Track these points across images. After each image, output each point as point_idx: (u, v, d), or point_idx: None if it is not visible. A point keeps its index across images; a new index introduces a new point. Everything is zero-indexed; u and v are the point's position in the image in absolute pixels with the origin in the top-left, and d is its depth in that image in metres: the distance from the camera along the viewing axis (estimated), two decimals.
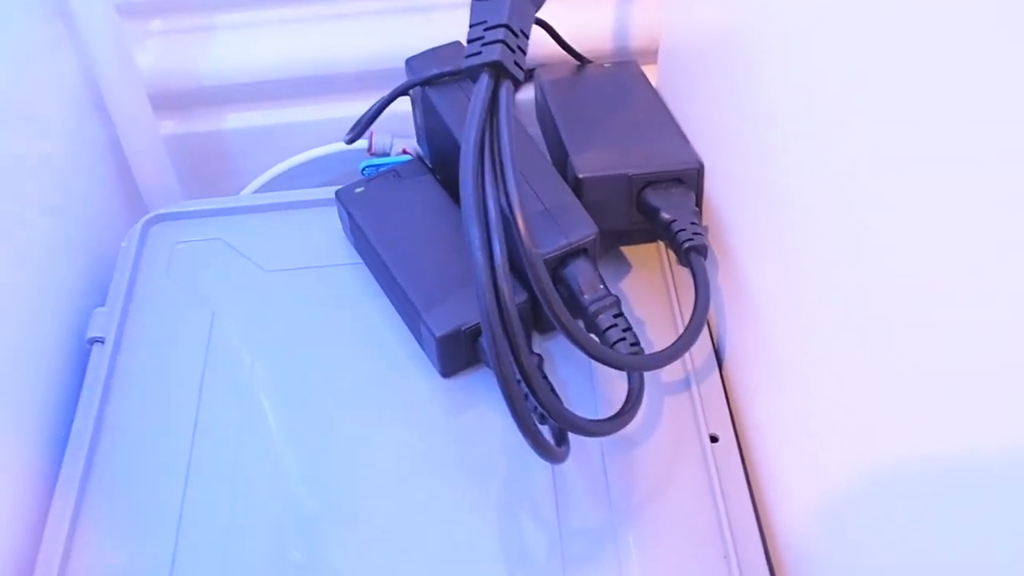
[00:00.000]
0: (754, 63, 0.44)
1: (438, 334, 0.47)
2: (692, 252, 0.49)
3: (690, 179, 0.51)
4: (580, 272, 0.47)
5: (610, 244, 0.55)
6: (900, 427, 0.31)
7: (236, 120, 0.65)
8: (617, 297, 0.47)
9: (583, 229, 0.48)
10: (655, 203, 0.51)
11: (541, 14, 0.61)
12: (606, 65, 0.62)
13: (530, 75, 0.63)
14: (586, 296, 0.47)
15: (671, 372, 0.49)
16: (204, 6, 0.63)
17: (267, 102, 0.65)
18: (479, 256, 0.37)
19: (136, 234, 0.57)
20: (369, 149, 0.64)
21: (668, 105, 0.58)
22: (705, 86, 0.53)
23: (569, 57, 0.63)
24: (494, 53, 0.37)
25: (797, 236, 0.39)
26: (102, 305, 0.53)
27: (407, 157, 0.62)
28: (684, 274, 0.52)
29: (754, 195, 0.45)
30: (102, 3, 0.56)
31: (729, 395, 0.49)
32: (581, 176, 0.51)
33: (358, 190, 0.54)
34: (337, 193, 0.55)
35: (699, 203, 0.52)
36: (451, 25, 0.61)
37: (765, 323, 0.44)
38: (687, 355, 0.49)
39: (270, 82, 0.64)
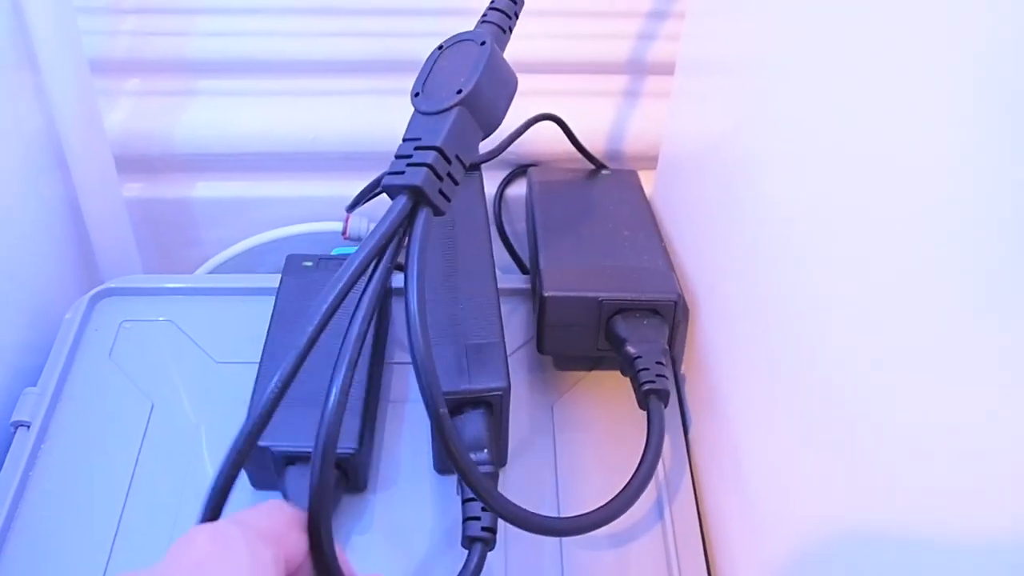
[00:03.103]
0: (750, 173, 0.42)
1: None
2: (652, 396, 0.45)
3: (666, 311, 0.47)
4: (468, 426, 0.42)
5: (578, 366, 0.51)
6: None
7: (205, 189, 0.62)
8: (496, 471, 0.42)
9: (491, 381, 0.43)
10: (623, 333, 0.47)
11: (558, 110, 0.60)
12: (604, 172, 0.59)
13: (523, 172, 0.61)
14: (467, 456, 0.42)
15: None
16: (186, 68, 0.60)
17: (240, 174, 0.62)
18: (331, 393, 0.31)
19: (82, 307, 0.52)
20: (344, 233, 0.61)
21: (661, 213, 0.56)
22: (699, 193, 0.50)
23: (568, 159, 0.60)
24: (417, 177, 0.32)
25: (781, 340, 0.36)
26: (34, 384, 0.49)
27: None
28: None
29: (745, 312, 0.42)
30: (73, 57, 0.53)
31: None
32: (546, 295, 0.47)
33: (306, 263, 0.51)
34: (288, 256, 0.51)
35: (674, 339, 0.48)
36: None
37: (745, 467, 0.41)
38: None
39: (246, 154, 0.60)
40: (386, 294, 0.53)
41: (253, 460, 0.43)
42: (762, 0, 0.41)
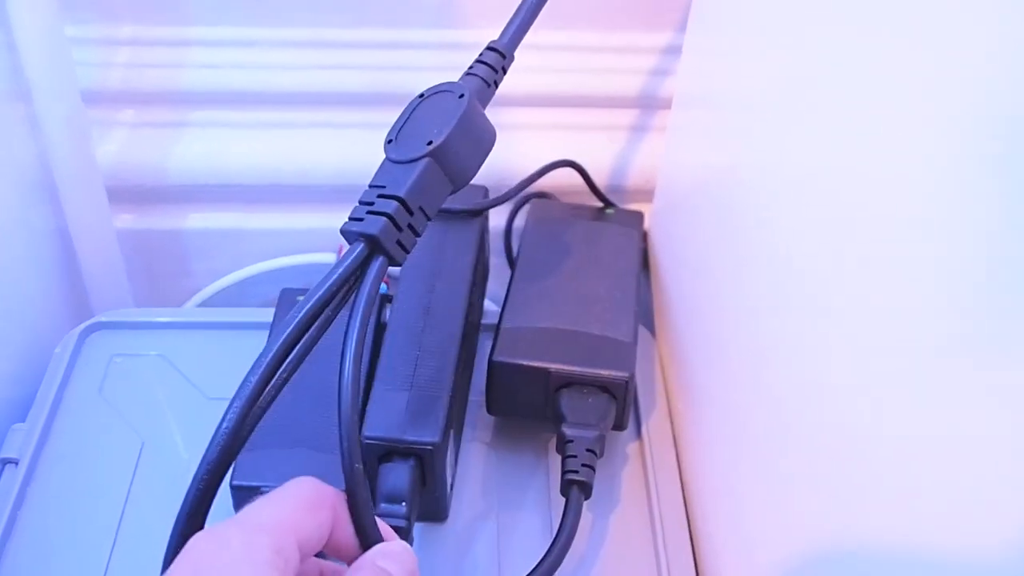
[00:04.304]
0: (744, 207, 0.42)
1: (233, 483, 0.42)
2: (573, 486, 0.43)
3: (617, 391, 0.46)
4: (390, 476, 0.41)
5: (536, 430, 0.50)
6: None
7: (198, 220, 0.61)
8: (409, 526, 0.41)
9: (424, 435, 0.42)
10: (563, 410, 0.45)
11: (560, 143, 0.60)
12: (608, 211, 0.58)
13: (524, 202, 0.60)
14: (380, 505, 0.41)
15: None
16: (179, 100, 0.60)
17: (233, 205, 0.61)
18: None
19: (72, 341, 0.52)
20: None
21: (657, 246, 0.55)
22: (694, 227, 0.50)
23: (577, 191, 0.60)
24: (374, 226, 0.32)
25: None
26: (23, 420, 0.48)
27: None
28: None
29: (737, 345, 0.42)
30: (66, 89, 0.52)
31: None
32: (495, 360, 0.46)
33: (300, 297, 0.50)
34: (283, 290, 0.51)
35: (622, 419, 0.47)
36: None
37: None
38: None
39: (239, 185, 0.60)
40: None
41: (240, 501, 0.42)
42: (757, 36, 0.41)
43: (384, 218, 0.33)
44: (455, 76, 0.60)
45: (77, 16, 0.58)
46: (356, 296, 0.32)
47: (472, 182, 0.53)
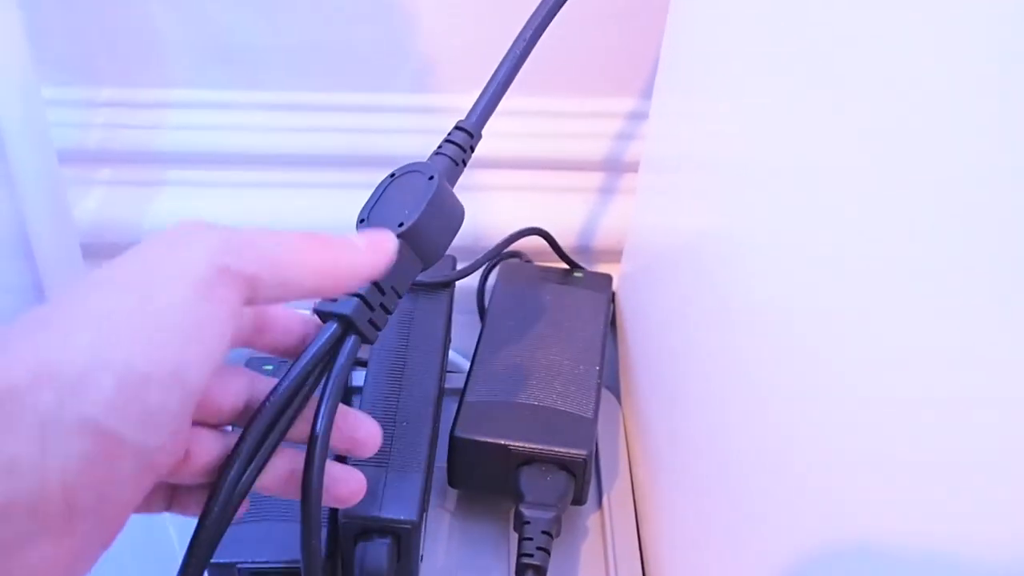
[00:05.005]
0: (713, 267, 0.42)
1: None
2: (528, 570, 0.44)
3: (575, 468, 0.46)
4: (370, 555, 0.42)
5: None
6: None
7: None
8: None
9: (401, 512, 0.42)
10: (522, 488, 0.46)
11: (530, 205, 0.60)
12: (577, 275, 0.59)
13: (495, 265, 0.61)
14: None
15: None
16: (156, 160, 0.61)
17: None
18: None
19: None
20: None
21: (624, 306, 0.56)
22: (661, 287, 0.50)
23: (546, 252, 0.61)
24: (348, 307, 0.33)
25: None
26: None
27: None
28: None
29: (704, 405, 0.42)
30: (40, 148, 0.53)
31: None
32: (456, 435, 0.47)
33: (267, 367, 0.51)
34: (249, 359, 0.51)
35: (581, 495, 0.47)
36: None
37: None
38: None
39: None
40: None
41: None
42: (721, 100, 0.41)
43: (357, 299, 0.33)
44: (430, 139, 0.61)
45: (58, 78, 0.59)
46: (328, 376, 0.33)
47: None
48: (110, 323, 0.25)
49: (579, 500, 0.47)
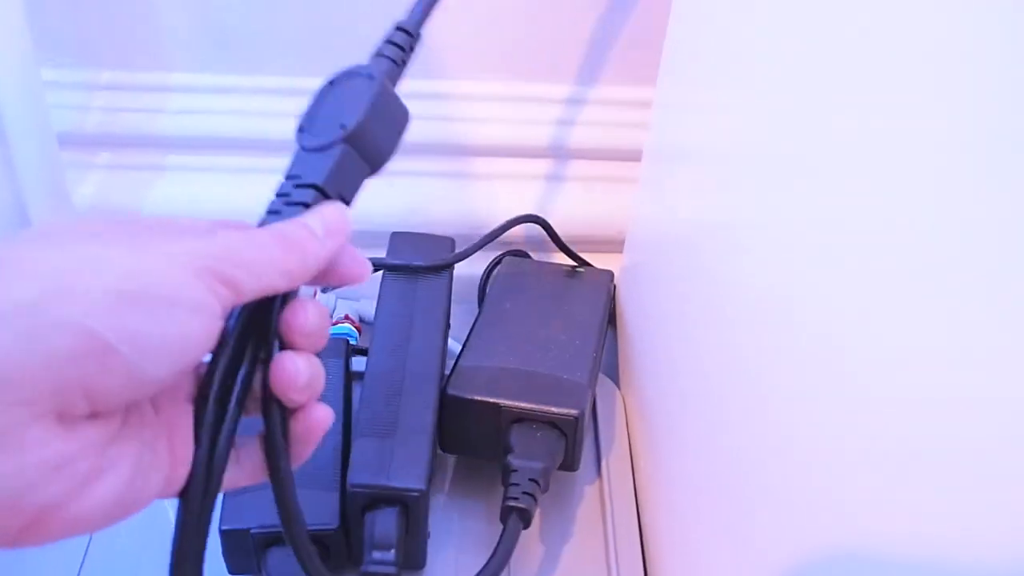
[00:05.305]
0: (710, 262, 0.42)
1: (222, 527, 0.41)
2: (512, 513, 0.43)
3: (566, 426, 0.46)
4: (379, 524, 0.41)
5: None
6: None
7: None
8: (399, 573, 0.41)
9: (409, 481, 0.42)
10: (512, 442, 0.46)
11: (532, 194, 0.60)
12: (579, 270, 0.58)
13: (500, 259, 0.61)
14: (371, 554, 0.41)
15: None
16: (155, 144, 0.60)
17: None
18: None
19: None
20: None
21: (625, 297, 0.56)
22: (660, 282, 0.50)
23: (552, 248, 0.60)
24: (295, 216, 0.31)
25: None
26: None
27: (345, 327, 0.58)
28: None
29: (705, 395, 0.42)
30: (40, 130, 0.53)
31: None
32: (448, 393, 0.47)
33: None
34: None
35: (572, 458, 0.47)
36: (423, 190, 0.59)
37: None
38: None
39: None
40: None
41: (230, 545, 0.42)
42: (726, 89, 0.41)
43: (303, 208, 0.32)
44: (432, 126, 0.61)
45: (56, 60, 0.58)
46: (274, 304, 0.30)
47: (439, 233, 0.54)
48: (101, 250, 0.25)
49: (570, 464, 0.47)
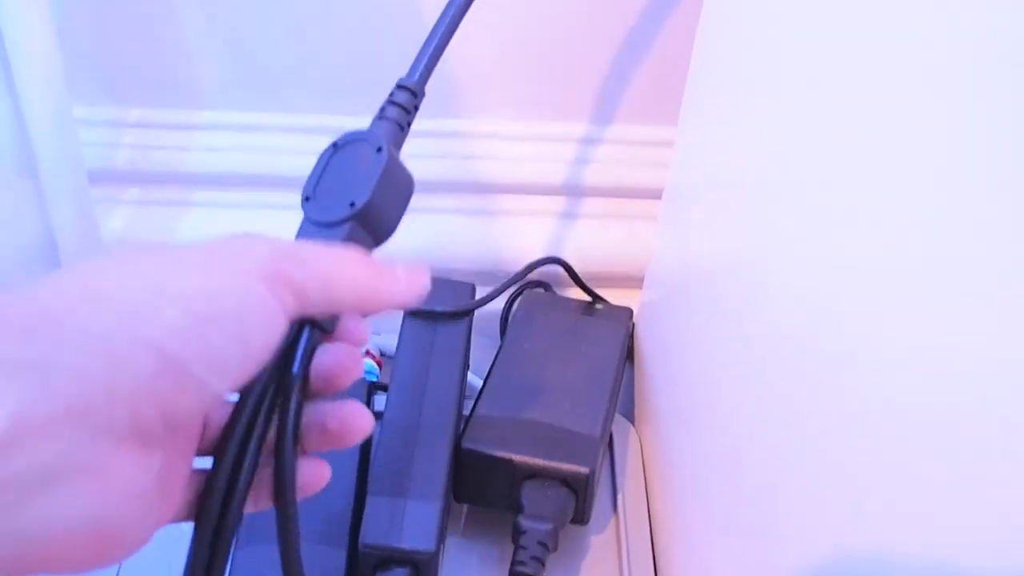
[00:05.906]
0: (729, 301, 0.42)
1: None
2: None
3: (577, 483, 0.46)
4: None
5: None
6: None
7: None
8: None
9: (419, 542, 0.42)
10: (523, 500, 0.46)
11: (548, 231, 0.61)
12: (598, 307, 0.59)
13: (519, 293, 0.61)
14: None
15: None
16: (183, 180, 0.61)
17: None
18: None
19: None
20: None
21: (644, 334, 0.56)
22: (679, 320, 0.50)
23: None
24: None
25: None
26: None
27: (367, 364, 0.58)
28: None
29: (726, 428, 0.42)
30: (72, 168, 0.54)
31: None
32: (464, 447, 0.47)
33: None
34: None
35: (583, 512, 0.47)
36: (443, 227, 0.59)
37: None
38: None
39: None
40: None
41: None
42: (747, 130, 0.41)
43: None
44: (454, 164, 0.62)
45: (88, 99, 0.60)
46: (291, 369, 0.30)
47: (460, 279, 0.54)
48: (169, 275, 0.25)
49: (581, 518, 0.47)
